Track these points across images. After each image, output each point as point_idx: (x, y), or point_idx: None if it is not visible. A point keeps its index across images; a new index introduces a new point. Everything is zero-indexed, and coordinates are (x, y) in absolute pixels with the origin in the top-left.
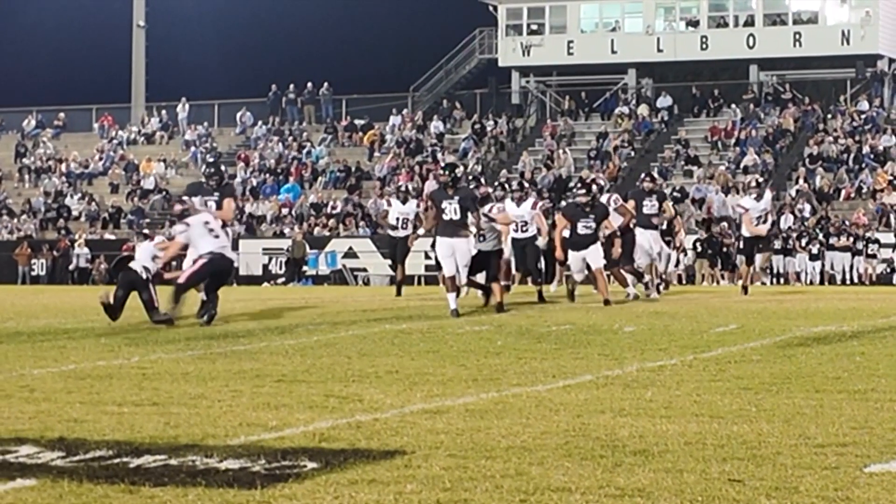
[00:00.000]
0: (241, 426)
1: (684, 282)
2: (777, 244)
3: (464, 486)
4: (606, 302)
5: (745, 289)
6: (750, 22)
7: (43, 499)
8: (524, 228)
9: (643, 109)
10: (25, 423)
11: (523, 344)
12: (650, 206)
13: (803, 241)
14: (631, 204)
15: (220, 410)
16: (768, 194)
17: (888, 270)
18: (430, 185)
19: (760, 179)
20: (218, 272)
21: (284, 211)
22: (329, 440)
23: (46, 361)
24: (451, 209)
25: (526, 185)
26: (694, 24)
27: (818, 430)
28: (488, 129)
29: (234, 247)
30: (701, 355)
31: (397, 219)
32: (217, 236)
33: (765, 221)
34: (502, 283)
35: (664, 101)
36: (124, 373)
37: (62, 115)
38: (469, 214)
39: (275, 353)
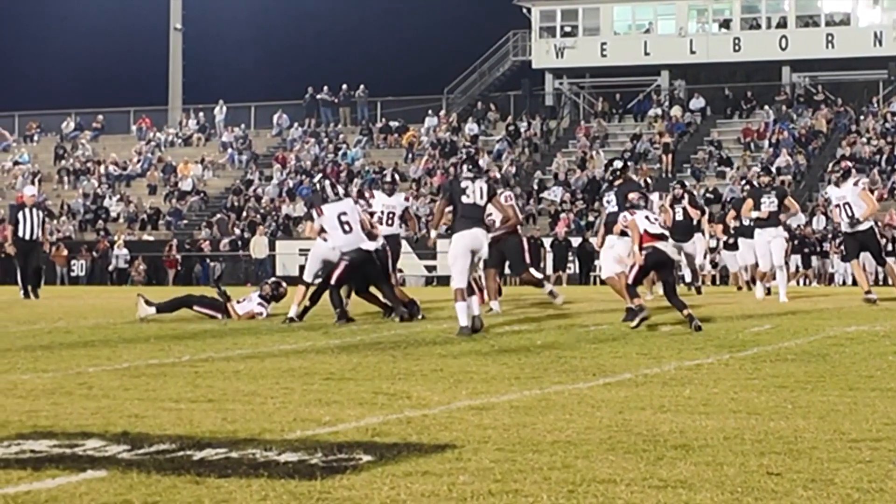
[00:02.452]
0: (295, 421)
1: (717, 282)
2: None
3: (513, 478)
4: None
5: (868, 294)
6: (782, 23)
7: (115, 489)
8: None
9: (676, 111)
10: (88, 418)
11: (563, 343)
12: (768, 202)
13: (836, 243)
14: (749, 203)
15: (274, 406)
16: (850, 181)
17: None
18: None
19: (848, 164)
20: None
21: None
22: (381, 435)
23: (100, 360)
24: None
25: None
26: (726, 25)
27: (852, 426)
28: (522, 130)
29: (272, 247)
30: (737, 354)
31: (382, 213)
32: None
33: (850, 215)
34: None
35: (697, 102)
36: (177, 371)
37: (100, 117)
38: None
39: (321, 352)
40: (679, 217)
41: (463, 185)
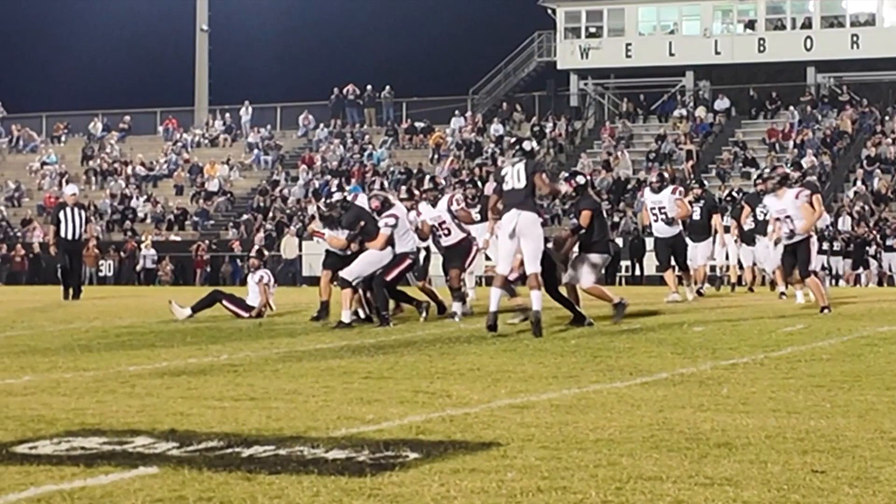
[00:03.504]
0: (339, 419)
1: (742, 282)
2: (836, 246)
3: (560, 475)
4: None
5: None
6: (807, 24)
7: (168, 485)
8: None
9: (701, 111)
10: (134, 416)
11: (597, 343)
12: None
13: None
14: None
15: (317, 405)
16: (790, 191)
17: None
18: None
19: (784, 170)
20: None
21: None
22: (425, 432)
23: (139, 359)
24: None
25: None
26: (751, 26)
27: (893, 424)
28: (547, 131)
29: (300, 248)
30: (771, 354)
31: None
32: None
33: (792, 228)
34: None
35: (721, 103)
36: (216, 369)
37: (127, 118)
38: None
39: (357, 351)
40: (696, 216)
41: (503, 172)
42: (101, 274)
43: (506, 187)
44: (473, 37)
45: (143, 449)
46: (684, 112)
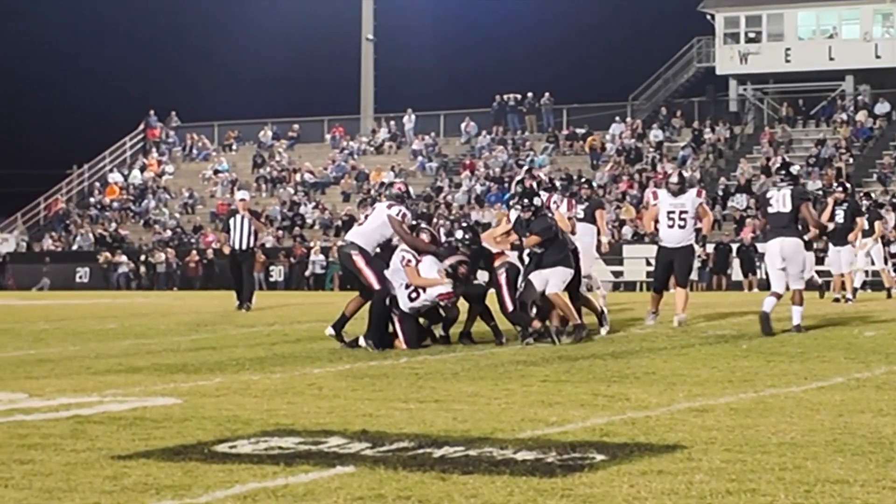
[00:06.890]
0: (523, 421)
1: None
2: None
3: (748, 478)
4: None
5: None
6: None
7: (367, 484)
8: None
9: (861, 116)
10: (325, 417)
11: (768, 347)
12: None
13: None
14: None
15: (499, 407)
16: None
17: None
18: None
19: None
20: None
21: None
22: (609, 435)
23: (322, 362)
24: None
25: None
26: None
27: None
28: (706, 136)
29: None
30: None
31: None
32: None
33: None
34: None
35: (882, 107)
36: (398, 372)
37: (296, 126)
38: None
39: (532, 355)
40: (840, 219)
41: (769, 195)
42: (271, 279)
43: (770, 210)
44: (633, 43)
45: (337, 449)
46: (844, 117)
